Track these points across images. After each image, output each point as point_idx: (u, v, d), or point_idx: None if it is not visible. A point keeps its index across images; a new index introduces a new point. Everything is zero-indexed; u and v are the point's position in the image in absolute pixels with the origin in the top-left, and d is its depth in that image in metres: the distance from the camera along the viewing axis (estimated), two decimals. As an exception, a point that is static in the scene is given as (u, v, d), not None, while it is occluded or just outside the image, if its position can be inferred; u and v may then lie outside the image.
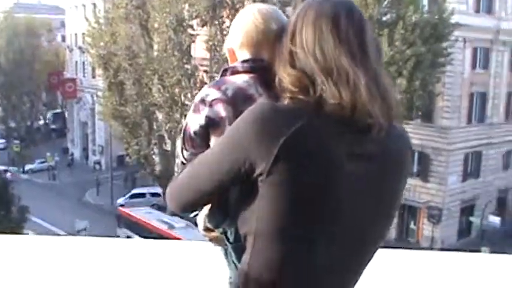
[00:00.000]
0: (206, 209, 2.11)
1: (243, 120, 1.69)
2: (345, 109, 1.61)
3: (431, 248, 32.98)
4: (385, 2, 27.72)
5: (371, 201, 1.71)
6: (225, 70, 2.25)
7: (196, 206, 1.98)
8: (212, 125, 2.12)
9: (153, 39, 34.99)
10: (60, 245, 5.61)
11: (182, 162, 2.22)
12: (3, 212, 28.40)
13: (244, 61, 2.21)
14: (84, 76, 58.93)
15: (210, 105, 2.12)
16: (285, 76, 1.74)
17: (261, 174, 1.63)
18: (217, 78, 2.27)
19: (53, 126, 71.26)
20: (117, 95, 36.35)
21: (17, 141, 60.06)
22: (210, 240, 2.23)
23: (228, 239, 2.07)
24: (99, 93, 42.54)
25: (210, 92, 2.14)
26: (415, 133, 29.78)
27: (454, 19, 29.46)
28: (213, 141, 2.12)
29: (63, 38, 68.54)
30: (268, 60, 2.04)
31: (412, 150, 1.86)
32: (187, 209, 1.99)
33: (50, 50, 69.08)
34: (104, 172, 50.68)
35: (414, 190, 33.18)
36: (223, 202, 1.97)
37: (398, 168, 1.78)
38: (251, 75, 2.15)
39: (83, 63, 57.25)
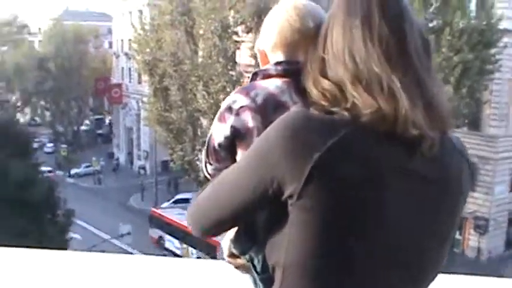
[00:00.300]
0: (232, 232, 1.89)
1: (271, 132, 1.46)
2: (385, 120, 1.40)
3: (477, 258, 32.40)
4: (432, 8, 27.38)
5: (424, 224, 1.49)
6: (256, 74, 2.00)
7: (219, 230, 1.71)
8: (238, 136, 1.89)
9: (198, 45, 35.16)
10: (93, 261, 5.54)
11: (206, 178, 1.99)
12: (50, 216, 28.79)
13: (277, 63, 1.96)
14: (130, 82, 59.61)
15: (237, 114, 1.88)
16: (312, 89, 1.53)
17: (290, 197, 1.41)
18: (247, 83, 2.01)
19: (99, 131, 72.27)
20: (162, 101, 36.64)
21: (64, 146, 61.06)
22: (236, 267, 1.98)
23: (255, 268, 1.82)
24: (145, 99, 42.93)
25: (237, 99, 1.90)
26: (462, 141, 29.30)
27: (502, 25, 28.92)
28: (240, 155, 1.90)
29: (110, 45, 69.58)
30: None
31: (469, 163, 1.61)
32: (209, 234, 1.71)
33: (97, 56, 70.22)
34: (148, 177, 51.08)
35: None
36: (251, 225, 1.75)
37: (454, 186, 1.54)
38: (285, 79, 1.91)
39: (129, 69, 57.90)
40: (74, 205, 31.57)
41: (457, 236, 34.86)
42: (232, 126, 1.89)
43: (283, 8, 2.01)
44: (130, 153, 60.87)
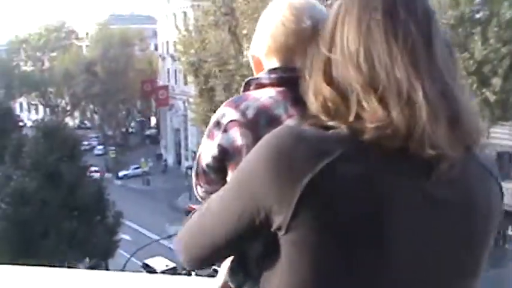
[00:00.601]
0: (228, 263, 1.72)
1: (255, 153, 1.27)
2: (395, 136, 1.18)
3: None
4: (478, -1, 26.82)
5: (443, 254, 1.27)
6: (248, 83, 1.79)
7: (209, 261, 1.51)
8: (227, 156, 1.68)
9: (242, 45, 35.17)
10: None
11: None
12: (99, 217, 29.22)
13: (271, 71, 1.74)
14: (176, 83, 60.07)
15: (225, 130, 1.67)
16: (312, 99, 1.31)
17: (279, 229, 1.21)
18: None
19: (147, 133, 73.07)
20: (208, 101, 36.74)
21: (112, 148, 61.89)
22: None
23: None
24: (191, 100, 43.19)
25: (226, 112, 1.69)
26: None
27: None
28: (230, 176, 1.68)
29: (156, 47, 70.21)
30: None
31: (500, 183, 1.37)
32: (199, 266, 1.54)
33: (143, 58, 70.89)
34: (196, 177, 51.40)
35: (512, 194, 31.94)
36: (245, 257, 1.57)
37: (482, 208, 1.31)
38: (279, 89, 1.68)
39: (175, 70, 58.32)
40: (123, 206, 31.94)
41: (509, 232, 34.10)
42: (219, 145, 1.69)
43: (277, 7, 1.79)
44: (178, 154, 61.30)
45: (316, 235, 1.19)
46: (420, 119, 1.18)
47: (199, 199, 1.82)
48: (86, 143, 60.06)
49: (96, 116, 72.23)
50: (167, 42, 59.50)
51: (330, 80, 1.29)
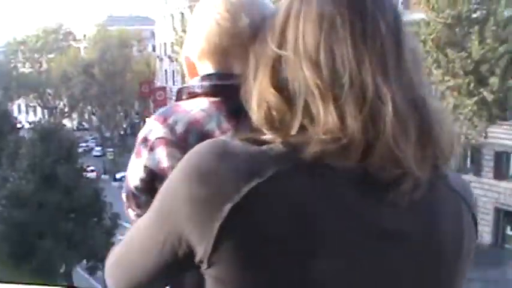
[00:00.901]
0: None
1: (174, 175, 1.10)
2: (350, 150, 1.00)
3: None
4: (475, -2, 26.76)
5: None
6: (180, 92, 1.59)
7: None
8: (155, 178, 1.50)
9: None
10: None
11: None
12: (96, 219, 29.09)
13: (204, 77, 1.54)
14: (174, 84, 59.98)
15: (151, 149, 1.50)
16: (255, 110, 1.10)
17: (201, 262, 1.04)
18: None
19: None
20: (205, 102, 36.83)
21: (110, 149, 61.76)
22: None
23: None
24: (188, 101, 43.27)
25: (153, 127, 1.51)
26: (510, 134, 28.60)
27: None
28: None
29: (154, 48, 70.14)
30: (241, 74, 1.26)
31: (471, 208, 1.16)
32: None
33: (141, 60, 70.80)
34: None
35: (510, 194, 31.86)
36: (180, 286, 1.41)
37: (449, 239, 1.10)
38: (213, 99, 1.49)
39: (173, 71, 58.29)
40: (120, 208, 31.64)
41: (508, 231, 34.06)
42: (145, 167, 1.53)
43: (211, 2, 1.55)
44: (175, 155, 61.25)
45: (239, 273, 1.02)
46: (384, 132, 1.00)
47: (132, 223, 1.65)
48: (84, 144, 59.94)
49: (94, 118, 72.10)
50: (165, 43, 59.44)
51: (277, 82, 1.09)
